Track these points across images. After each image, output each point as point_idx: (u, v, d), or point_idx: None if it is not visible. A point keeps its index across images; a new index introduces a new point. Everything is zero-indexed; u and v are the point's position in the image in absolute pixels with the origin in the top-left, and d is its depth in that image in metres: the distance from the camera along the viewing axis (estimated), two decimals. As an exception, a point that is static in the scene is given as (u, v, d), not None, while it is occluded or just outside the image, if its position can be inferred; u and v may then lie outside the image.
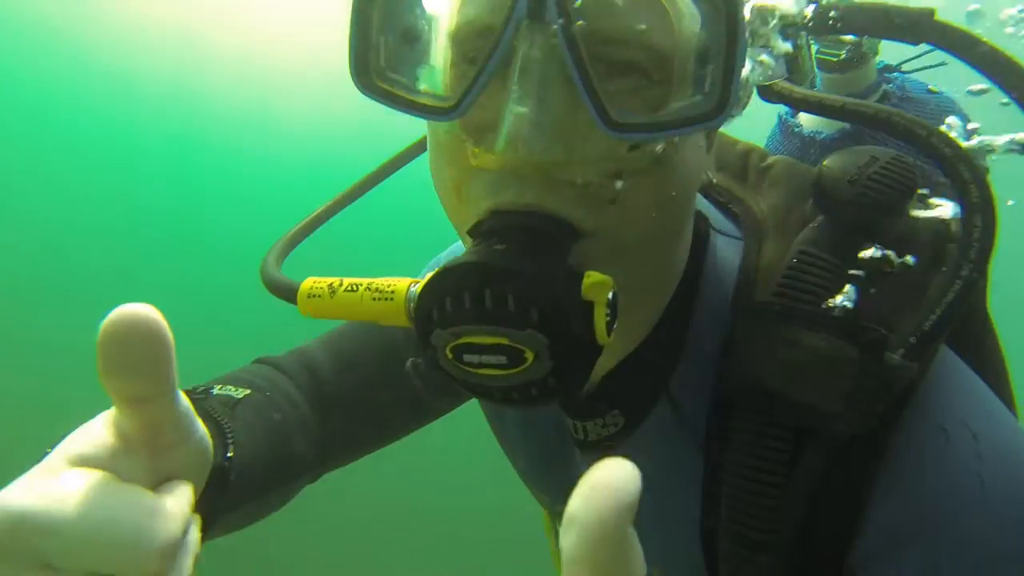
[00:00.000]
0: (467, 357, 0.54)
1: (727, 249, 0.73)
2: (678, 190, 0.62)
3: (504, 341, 0.52)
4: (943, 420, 0.61)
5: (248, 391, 0.84)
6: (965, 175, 0.64)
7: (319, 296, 0.63)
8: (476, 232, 0.59)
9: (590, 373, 0.56)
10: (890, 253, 0.64)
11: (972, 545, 0.58)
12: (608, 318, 0.54)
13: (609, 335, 0.54)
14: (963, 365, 0.67)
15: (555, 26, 0.52)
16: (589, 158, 0.56)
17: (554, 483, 0.91)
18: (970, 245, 0.62)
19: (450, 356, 0.55)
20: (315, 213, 1.01)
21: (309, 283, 0.65)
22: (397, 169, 1.05)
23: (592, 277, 0.54)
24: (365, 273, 0.64)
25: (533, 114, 0.52)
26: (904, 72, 2.25)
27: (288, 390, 0.94)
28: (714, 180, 0.78)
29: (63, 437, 0.51)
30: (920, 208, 0.69)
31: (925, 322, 0.61)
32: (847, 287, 0.63)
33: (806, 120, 2.14)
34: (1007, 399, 0.75)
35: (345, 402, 0.97)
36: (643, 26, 0.56)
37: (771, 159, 0.80)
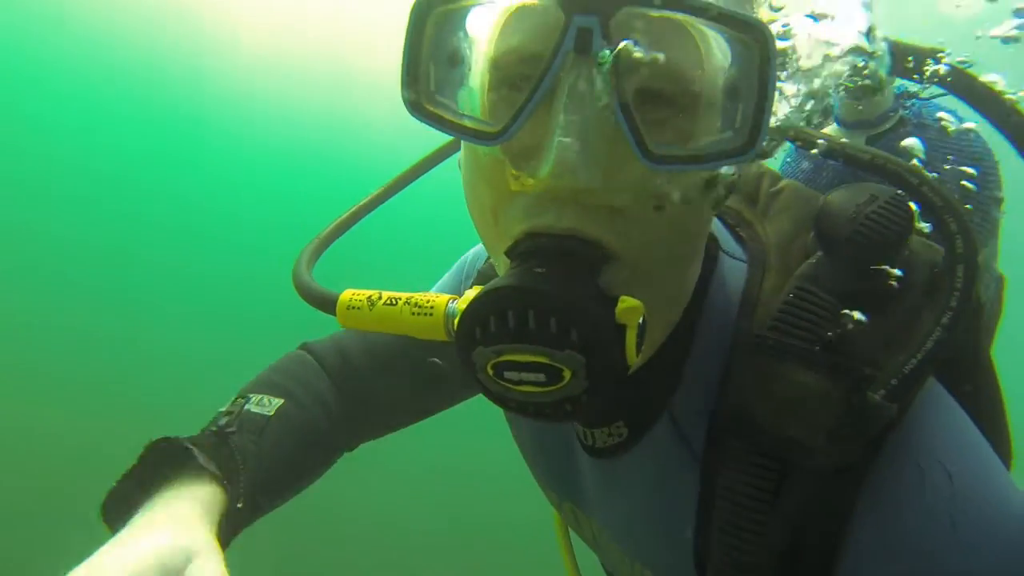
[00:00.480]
0: (507, 374, 0.57)
1: (733, 273, 0.75)
2: (701, 216, 0.65)
3: (544, 360, 0.55)
4: (921, 457, 0.63)
5: (281, 401, 0.94)
6: (952, 227, 0.66)
7: (358, 308, 0.66)
8: (513, 253, 0.62)
9: (618, 391, 0.58)
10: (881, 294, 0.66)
11: None
12: (638, 340, 0.57)
13: (637, 356, 0.57)
14: (950, 401, 0.69)
15: (602, 62, 0.55)
16: (625, 186, 0.59)
17: (562, 482, 0.95)
18: (951, 294, 0.65)
19: (491, 372, 0.58)
20: (338, 220, 1.04)
21: (348, 295, 0.67)
22: (421, 175, 1.08)
23: (626, 302, 0.57)
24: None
25: (578, 145, 0.55)
26: (922, 99, 2.25)
27: (319, 386, 1.02)
28: (727, 201, 0.80)
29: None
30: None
31: (906, 365, 0.63)
32: (839, 325, 0.65)
33: (821, 143, 2.14)
34: (999, 434, 0.77)
35: (370, 383, 1.06)
36: (676, 58, 0.58)
37: (781, 184, 0.82)
